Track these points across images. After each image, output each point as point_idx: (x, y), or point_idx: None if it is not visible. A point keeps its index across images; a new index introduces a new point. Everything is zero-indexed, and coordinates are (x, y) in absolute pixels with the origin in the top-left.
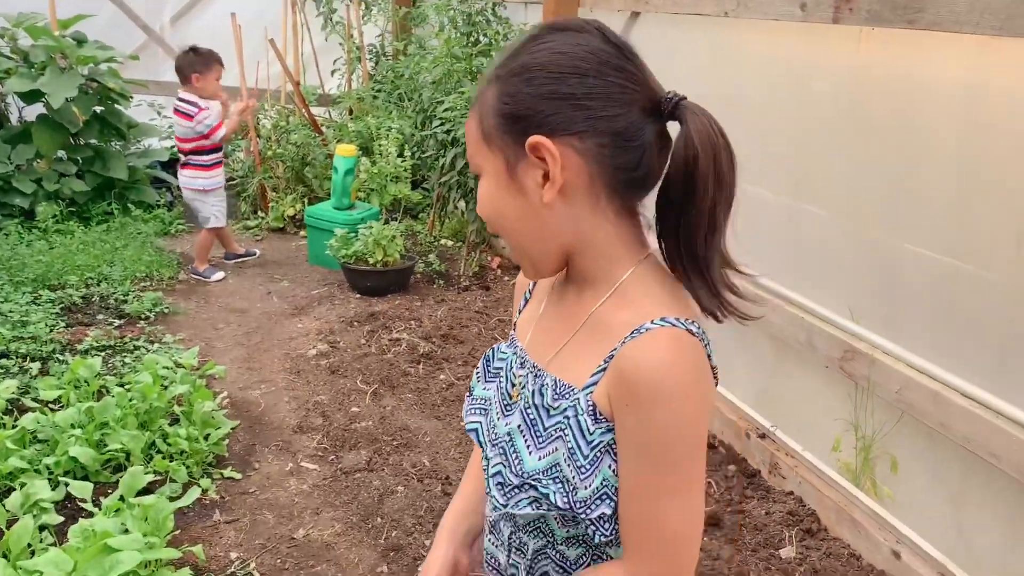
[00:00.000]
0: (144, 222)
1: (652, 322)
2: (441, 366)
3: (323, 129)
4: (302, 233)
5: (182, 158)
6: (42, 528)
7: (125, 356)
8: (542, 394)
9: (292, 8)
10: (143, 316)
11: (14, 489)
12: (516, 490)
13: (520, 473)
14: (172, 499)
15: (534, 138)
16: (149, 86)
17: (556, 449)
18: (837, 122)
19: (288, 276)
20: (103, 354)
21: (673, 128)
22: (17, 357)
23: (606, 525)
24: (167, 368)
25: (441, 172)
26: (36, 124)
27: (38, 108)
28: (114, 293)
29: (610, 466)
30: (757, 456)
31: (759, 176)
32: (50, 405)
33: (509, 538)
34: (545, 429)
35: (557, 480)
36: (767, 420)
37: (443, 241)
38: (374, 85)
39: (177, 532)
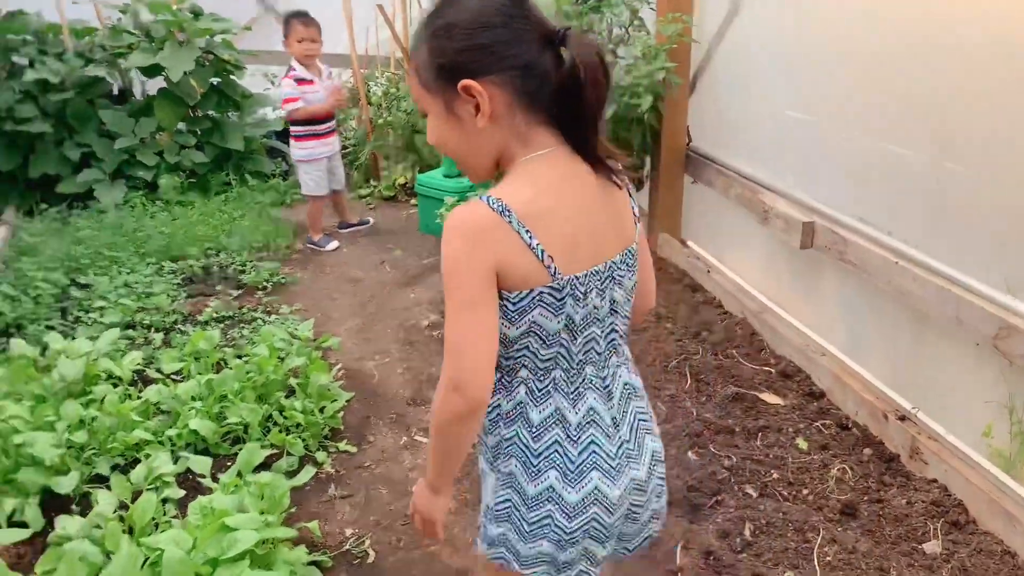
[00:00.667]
0: (261, 192)
1: (477, 195)
2: None
3: None
4: (413, 202)
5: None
6: (164, 501)
7: (243, 327)
8: None
9: None
10: (260, 286)
11: (139, 460)
12: None
13: None
14: (289, 474)
15: (464, 82)
16: (261, 56)
17: None
18: (988, 74)
19: (400, 245)
20: (222, 325)
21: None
22: (142, 328)
23: None
24: (283, 340)
25: None
26: (157, 98)
27: (159, 82)
28: (232, 263)
29: None
30: (896, 439)
31: (899, 133)
32: (171, 377)
33: None
34: None
35: None
36: (907, 401)
37: None
38: None
39: (293, 509)
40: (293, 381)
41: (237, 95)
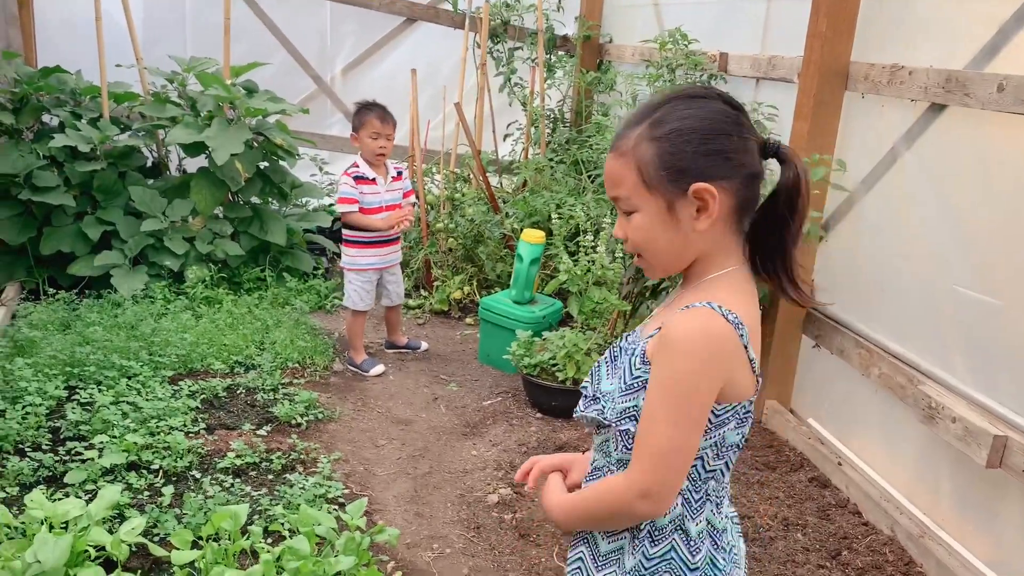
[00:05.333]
0: (298, 293)
1: (699, 303)
2: None
3: (499, 204)
4: (468, 320)
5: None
6: None
7: (275, 485)
8: (626, 340)
9: (481, 69)
10: (294, 422)
11: None
12: (591, 401)
13: (596, 389)
14: None
15: (699, 185)
16: (316, 143)
17: (618, 380)
18: None
19: (456, 377)
20: (245, 482)
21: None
22: (148, 473)
23: (627, 439)
24: (327, 527)
25: (640, 270)
26: (196, 178)
27: (199, 160)
28: (263, 386)
29: (643, 398)
30: None
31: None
32: (182, 569)
33: (591, 462)
34: (617, 364)
35: (611, 399)
36: None
37: None
38: (551, 155)
39: None
40: None
41: (285, 183)
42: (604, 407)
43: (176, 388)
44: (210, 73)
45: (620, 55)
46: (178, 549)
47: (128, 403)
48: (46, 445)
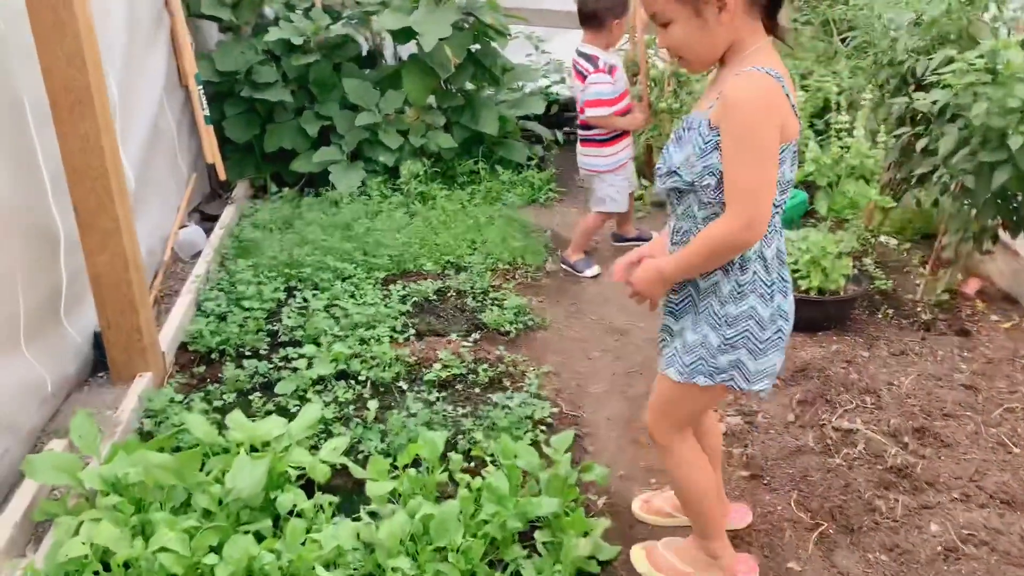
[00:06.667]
0: (511, 187)
1: (746, 69)
2: (928, 499)
3: None
4: None
5: (580, 131)
6: None
7: (480, 401)
8: (687, 122)
9: None
10: (502, 330)
11: None
12: (665, 176)
13: (669, 165)
14: None
15: None
16: (529, 19)
17: (687, 151)
18: None
19: None
20: (450, 396)
21: None
22: (356, 384)
23: (711, 192)
24: (529, 462)
25: (906, 155)
26: (407, 67)
27: (412, 47)
28: (472, 289)
29: (717, 157)
30: None
31: None
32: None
33: (673, 230)
34: (683, 141)
35: (685, 167)
36: None
37: (882, 238)
38: (795, 15)
39: None
40: (539, 537)
41: (496, 67)
42: (682, 175)
43: (387, 292)
44: None
45: None
46: (375, 480)
47: (340, 308)
48: (264, 350)
